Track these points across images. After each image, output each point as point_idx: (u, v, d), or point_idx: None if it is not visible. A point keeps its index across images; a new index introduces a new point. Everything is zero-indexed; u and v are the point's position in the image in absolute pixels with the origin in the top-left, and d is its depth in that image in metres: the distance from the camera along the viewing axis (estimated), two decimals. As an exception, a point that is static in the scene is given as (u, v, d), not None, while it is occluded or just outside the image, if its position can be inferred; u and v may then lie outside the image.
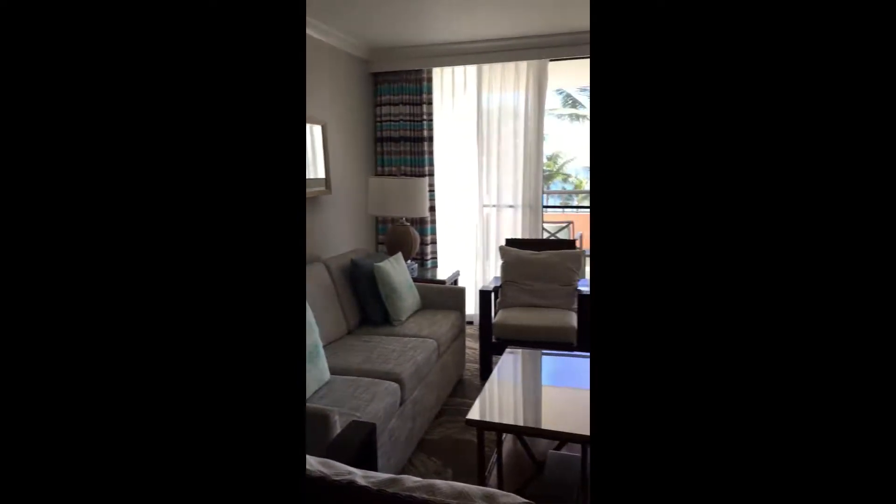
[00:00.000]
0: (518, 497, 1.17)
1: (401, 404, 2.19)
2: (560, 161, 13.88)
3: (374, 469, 1.78)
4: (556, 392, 2.33)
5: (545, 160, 14.15)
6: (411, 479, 1.27)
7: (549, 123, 13.33)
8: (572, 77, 6.77)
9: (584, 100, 13.08)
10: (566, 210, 8.91)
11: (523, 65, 3.69)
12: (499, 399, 2.21)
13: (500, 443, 2.01)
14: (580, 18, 3.27)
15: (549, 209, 8.89)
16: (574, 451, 2.22)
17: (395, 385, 2.17)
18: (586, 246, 6.20)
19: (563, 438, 2.14)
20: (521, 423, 2.02)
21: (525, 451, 2.22)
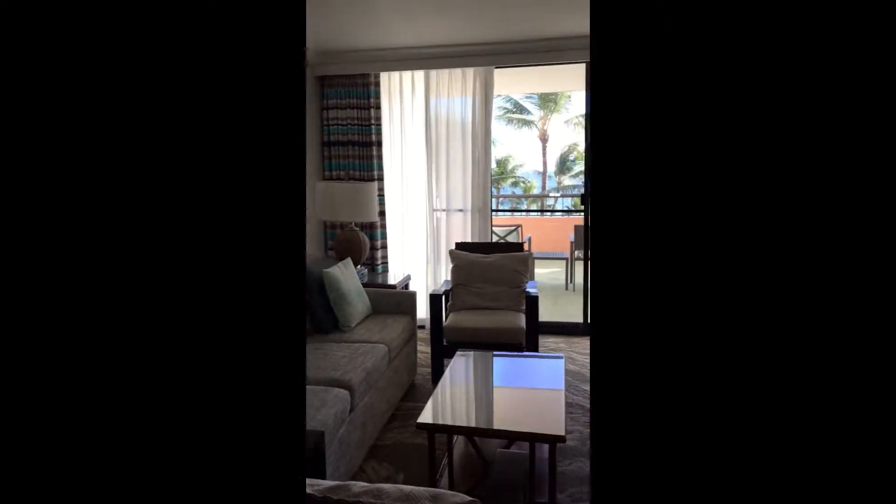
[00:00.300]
0: (465, 496, 1.19)
1: (351, 411, 2.17)
2: (510, 165, 14.15)
3: (322, 477, 1.76)
4: (507, 392, 2.37)
5: (495, 165, 14.37)
6: (358, 485, 1.26)
7: (498, 129, 13.58)
8: (519, 84, 6.95)
9: (531, 106, 13.41)
10: (515, 214, 9.10)
11: (470, 71, 3.75)
12: (450, 401, 2.22)
13: (450, 445, 2.02)
14: (525, 28, 3.36)
15: (500, 213, 9.06)
16: (523, 448, 2.27)
17: (345, 392, 2.15)
18: (535, 249, 6.36)
19: (512, 438, 2.18)
20: (470, 425, 2.05)
21: (476, 452, 2.25)
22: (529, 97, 13.04)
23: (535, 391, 2.31)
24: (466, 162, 3.88)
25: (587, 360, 3.41)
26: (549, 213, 9.49)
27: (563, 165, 13.90)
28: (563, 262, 5.99)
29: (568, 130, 13.37)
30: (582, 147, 12.57)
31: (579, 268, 4.13)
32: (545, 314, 4.14)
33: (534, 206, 11.51)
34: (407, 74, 3.90)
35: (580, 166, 12.74)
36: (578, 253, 4.17)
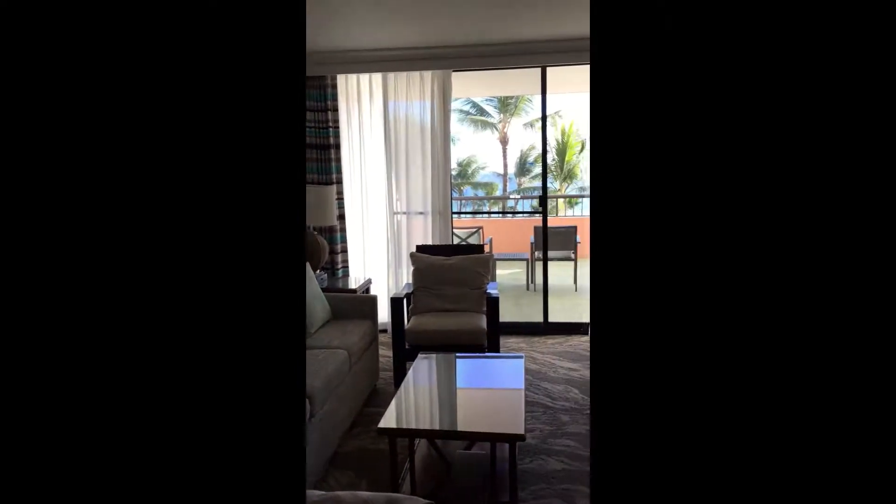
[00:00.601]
0: (422, 500, 1.19)
1: (310, 419, 2.13)
2: (472, 168, 14.26)
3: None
4: (468, 393, 2.38)
5: (457, 167, 14.41)
6: (316, 493, 1.24)
7: (460, 131, 13.65)
8: (479, 87, 7.02)
9: (492, 109, 13.55)
10: (478, 216, 9.17)
11: (428, 74, 3.76)
12: (413, 405, 2.22)
13: (412, 449, 2.02)
14: (481, 33, 3.40)
15: (463, 215, 9.10)
16: (485, 449, 2.29)
17: (304, 400, 2.11)
18: (497, 250, 6.42)
19: (473, 438, 2.19)
20: (431, 428, 2.05)
21: (438, 455, 2.25)
22: (489, 100, 13.18)
23: (496, 391, 2.33)
24: (426, 164, 3.88)
25: (547, 358, 3.47)
26: (510, 215, 9.62)
27: (523, 168, 14.11)
28: (524, 262, 6.07)
29: (528, 133, 13.59)
30: (540, 149, 12.79)
31: (540, 268, 4.19)
32: (507, 315, 4.20)
33: (496, 208, 11.63)
34: (364, 77, 3.87)
35: (539, 168, 12.97)
36: (539, 254, 4.24)
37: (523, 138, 13.86)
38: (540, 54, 3.60)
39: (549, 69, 3.76)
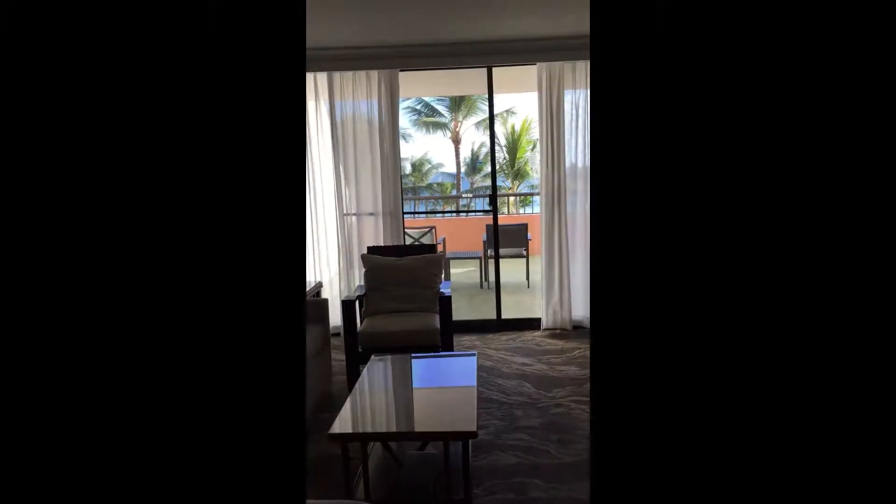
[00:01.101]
0: (367, 504, 1.17)
1: (258, 429, 2.07)
2: (426, 168, 14.26)
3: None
4: (419, 394, 2.38)
5: (411, 169, 14.34)
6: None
7: (412, 132, 13.62)
8: (428, 86, 7.02)
9: (443, 109, 13.60)
10: (432, 216, 9.19)
11: (374, 74, 3.72)
12: (365, 408, 2.19)
13: (365, 453, 1.99)
14: (425, 31, 3.40)
15: (417, 215, 9.09)
16: (438, 448, 2.29)
17: (251, 409, 2.04)
18: (450, 249, 6.45)
19: (425, 438, 2.19)
20: (383, 430, 2.03)
21: (391, 457, 2.24)
22: (441, 100, 13.22)
23: (448, 390, 2.34)
24: (375, 165, 3.85)
25: (501, 355, 3.51)
26: (464, 214, 9.68)
27: (474, 166, 14.24)
28: (478, 261, 6.13)
29: (480, 133, 13.72)
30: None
31: (493, 266, 4.24)
32: (461, 313, 4.21)
33: (450, 208, 11.69)
34: (309, 76, 3.79)
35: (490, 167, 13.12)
36: (492, 251, 4.29)
37: (476, 138, 13.99)
38: (485, 55, 3.64)
39: (495, 69, 3.81)
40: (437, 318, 3.08)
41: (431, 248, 3.66)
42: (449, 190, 14.49)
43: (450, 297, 3.11)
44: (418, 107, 13.26)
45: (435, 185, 14.44)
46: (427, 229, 5.96)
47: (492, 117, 4.10)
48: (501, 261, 4.24)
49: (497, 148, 13.18)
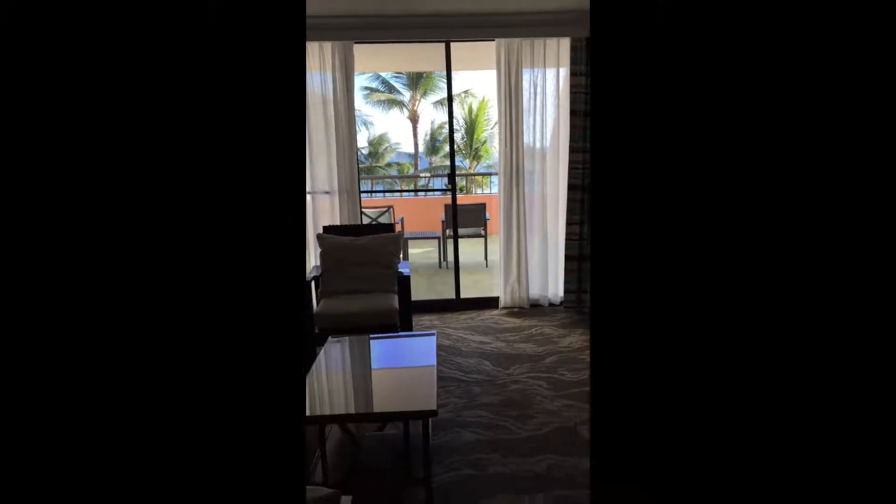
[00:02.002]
0: (324, 489, 1.15)
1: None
2: (383, 147, 14.01)
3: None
4: (379, 374, 2.35)
5: (367, 146, 14.04)
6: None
7: (369, 110, 13.30)
8: (384, 61, 6.83)
9: (401, 86, 13.33)
10: (390, 195, 9.06)
11: (327, 45, 3.57)
12: (323, 390, 2.14)
13: (322, 436, 1.96)
14: (381, 1, 3.27)
15: (375, 195, 8.93)
16: (399, 428, 2.28)
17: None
18: (409, 229, 6.39)
19: (384, 419, 2.17)
20: (341, 413, 1.99)
21: (350, 439, 2.21)
22: (398, 76, 12.95)
23: (407, 370, 2.32)
24: (330, 141, 3.72)
25: (460, 334, 3.53)
26: (423, 194, 9.61)
27: (434, 146, 14.12)
28: (437, 241, 6.11)
29: (438, 111, 13.57)
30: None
31: (452, 246, 4.23)
32: (420, 293, 4.19)
33: (409, 187, 11.57)
34: (259, 46, 3.60)
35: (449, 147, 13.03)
36: (451, 231, 4.27)
37: (435, 117, 13.83)
38: (442, 28, 3.56)
39: (454, 44, 3.73)
40: (396, 298, 3.05)
41: (389, 227, 3.60)
42: (407, 169, 14.33)
43: (408, 277, 3.08)
44: (375, 83, 12.95)
45: (394, 165, 14.24)
46: (385, 209, 5.87)
47: (450, 94, 4.03)
48: (460, 241, 4.23)
49: (456, 128, 13.11)
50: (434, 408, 1.86)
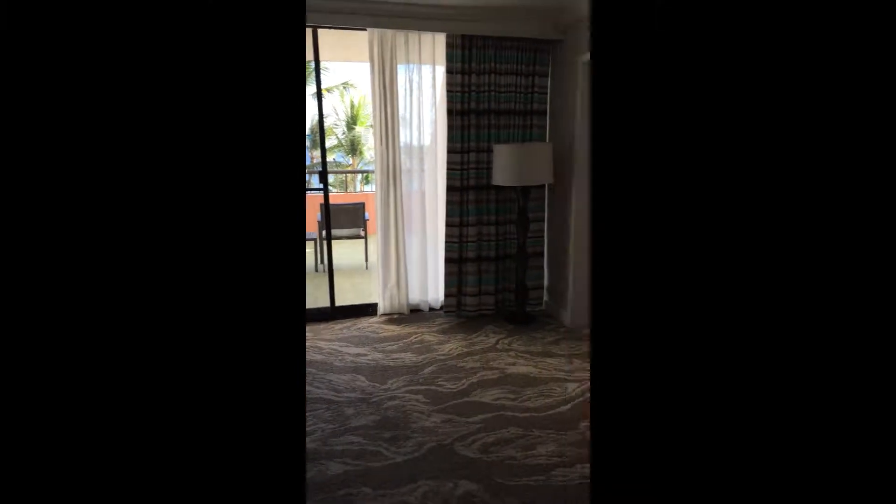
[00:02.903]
0: None
1: None
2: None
3: None
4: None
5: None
6: None
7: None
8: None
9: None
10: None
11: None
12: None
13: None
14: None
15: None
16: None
17: None
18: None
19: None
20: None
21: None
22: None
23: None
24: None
25: (334, 346, 3.26)
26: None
27: (315, 140, 13.44)
28: (313, 242, 5.71)
29: (324, 102, 12.91)
30: (329, 121, 12.30)
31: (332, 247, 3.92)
32: (292, 301, 3.80)
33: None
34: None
35: (332, 141, 12.46)
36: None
37: (315, 110, 13.13)
38: (310, 12, 3.23)
39: (322, 31, 3.42)
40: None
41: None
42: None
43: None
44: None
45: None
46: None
47: (319, 85, 3.71)
48: (339, 242, 3.94)
49: (337, 122, 12.55)
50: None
